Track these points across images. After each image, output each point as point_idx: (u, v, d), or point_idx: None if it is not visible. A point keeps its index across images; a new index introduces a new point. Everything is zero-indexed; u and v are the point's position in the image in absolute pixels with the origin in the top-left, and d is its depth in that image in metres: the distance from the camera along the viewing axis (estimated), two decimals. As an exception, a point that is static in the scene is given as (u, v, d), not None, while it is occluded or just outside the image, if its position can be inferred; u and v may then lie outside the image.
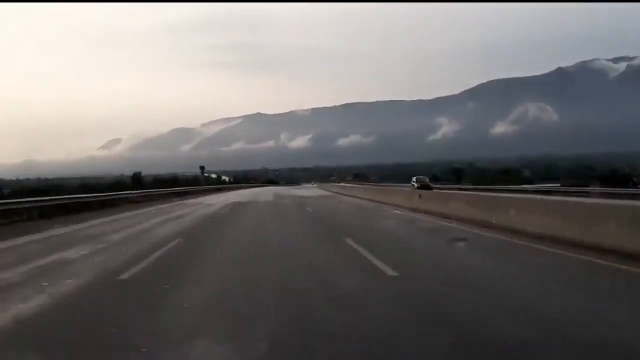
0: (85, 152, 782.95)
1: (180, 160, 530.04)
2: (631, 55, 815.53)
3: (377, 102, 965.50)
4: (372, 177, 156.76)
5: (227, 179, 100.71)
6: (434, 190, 31.47)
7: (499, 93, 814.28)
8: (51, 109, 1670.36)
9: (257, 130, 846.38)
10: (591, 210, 11.49)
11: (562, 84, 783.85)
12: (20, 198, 22.43)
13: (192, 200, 35.76)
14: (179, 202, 32.58)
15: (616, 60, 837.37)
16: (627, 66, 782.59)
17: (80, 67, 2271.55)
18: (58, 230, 15.43)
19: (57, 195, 25.09)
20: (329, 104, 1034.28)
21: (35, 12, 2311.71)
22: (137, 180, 44.83)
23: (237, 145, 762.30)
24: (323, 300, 6.18)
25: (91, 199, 24.85)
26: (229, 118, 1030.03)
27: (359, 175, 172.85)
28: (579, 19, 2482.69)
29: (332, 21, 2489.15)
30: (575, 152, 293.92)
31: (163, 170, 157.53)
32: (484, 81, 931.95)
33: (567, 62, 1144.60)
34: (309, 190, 60.40)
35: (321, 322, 5.35)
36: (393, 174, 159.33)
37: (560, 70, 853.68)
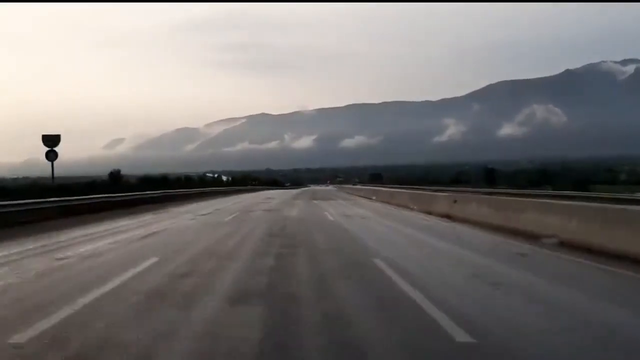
0: (88, 152, 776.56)
1: (184, 160, 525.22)
2: (639, 58, 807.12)
3: (382, 103, 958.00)
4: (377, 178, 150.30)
5: (226, 179, 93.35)
6: None
7: (506, 95, 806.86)
8: (54, 108, 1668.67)
9: (261, 130, 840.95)
10: None
11: (570, 86, 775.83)
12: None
13: None
14: None
15: (624, 62, 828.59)
16: (636, 69, 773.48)
17: (84, 66, 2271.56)
18: None
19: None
20: (334, 105, 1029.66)
21: (40, 12, 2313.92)
22: (115, 181, 38.09)
23: (241, 146, 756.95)
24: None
25: None
26: (233, 118, 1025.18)
27: (375, 175, 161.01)
28: (586, 21, 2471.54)
29: (338, 22, 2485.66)
30: (586, 154, 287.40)
31: (166, 170, 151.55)
32: (491, 82, 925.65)
33: (574, 64, 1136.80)
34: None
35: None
36: (403, 176, 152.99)
37: (568, 72, 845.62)
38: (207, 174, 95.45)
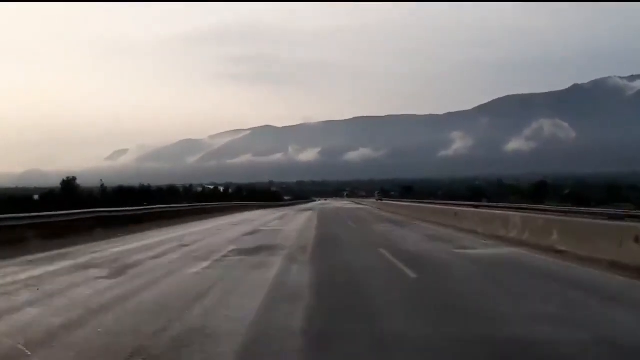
0: (91, 163, 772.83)
1: (187, 171, 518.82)
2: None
3: (388, 116, 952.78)
4: (389, 193, 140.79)
5: (221, 189, 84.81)
6: None
7: (513, 109, 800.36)
8: (57, 119, 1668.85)
9: (265, 142, 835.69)
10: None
11: (578, 100, 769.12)
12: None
13: None
14: None
15: (632, 78, 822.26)
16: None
17: (88, 76, 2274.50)
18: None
19: None
20: (340, 117, 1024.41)
21: (43, 22, 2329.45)
22: (69, 192, 30.17)
23: (245, 158, 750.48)
24: None
25: None
26: (237, 130, 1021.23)
27: (383, 190, 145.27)
28: (594, 36, 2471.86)
29: (343, 34, 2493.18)
30: (595, 170, 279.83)
31: (168, 181, 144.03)
32: (498, 96, 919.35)
33: (582, 79, 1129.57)
34: None
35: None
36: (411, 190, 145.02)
37: (576, 87, 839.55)
38: (196, 186, 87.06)
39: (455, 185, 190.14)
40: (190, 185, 75.10)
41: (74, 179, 32.71)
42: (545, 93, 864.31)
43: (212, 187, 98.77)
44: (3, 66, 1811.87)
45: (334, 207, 62.07)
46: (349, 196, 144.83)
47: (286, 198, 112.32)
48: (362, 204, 72.79)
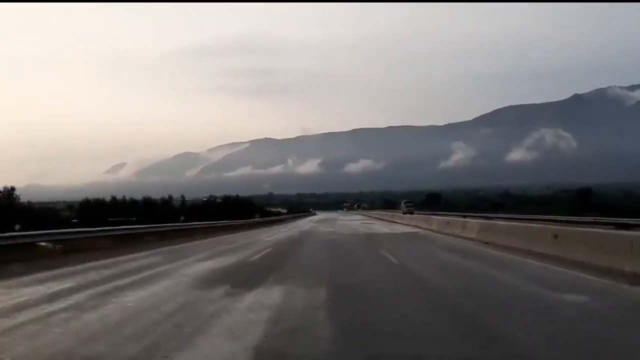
0: (90, 177, 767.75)
1: (186, 185, 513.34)
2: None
3: (388, 127, 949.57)
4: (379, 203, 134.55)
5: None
6: None
7: (514, 119, 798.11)
8: (55, 133, 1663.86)
9: (265, 155, 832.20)
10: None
11: (579, 110, 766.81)
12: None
13: None
14: None
15: (632, 88, 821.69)
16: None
17: (85, 90, 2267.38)
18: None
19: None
20: (340, 129, 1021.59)
21: (41, 35, 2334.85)
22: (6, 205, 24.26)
23: (244, 170, 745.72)
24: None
25: None
26: (236, 143, 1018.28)
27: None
28: (593, 46, 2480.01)
29: (343, 46, 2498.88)
30: (598, 181, 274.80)
31: (167, 195, 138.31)
32: (498, 107, 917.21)
33: (583, 89, 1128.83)
34: None
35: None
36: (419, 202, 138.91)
37: (576, 97, 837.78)
38: (176, 200, 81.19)
39: (458, 196, 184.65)
40: (170, 197, 69.12)
41: (13, 189, 27.05)
42: (546, 103, 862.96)
43: (205, 199, 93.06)
44: (1, 79, 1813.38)
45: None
46: (358, 207, 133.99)
47: (282, 211, 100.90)
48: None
